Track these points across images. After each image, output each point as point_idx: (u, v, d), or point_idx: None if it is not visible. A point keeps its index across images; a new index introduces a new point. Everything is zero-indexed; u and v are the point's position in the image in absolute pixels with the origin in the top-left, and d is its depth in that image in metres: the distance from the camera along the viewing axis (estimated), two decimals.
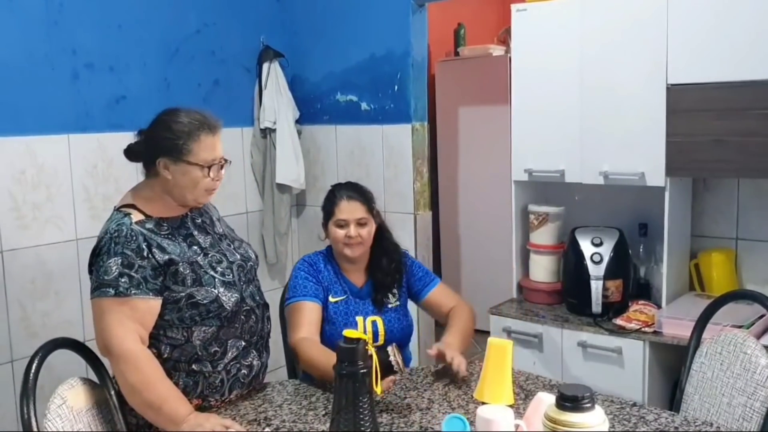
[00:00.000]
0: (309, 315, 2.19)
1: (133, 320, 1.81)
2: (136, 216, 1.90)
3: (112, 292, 1.80)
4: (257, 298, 2.06)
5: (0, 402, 2.69)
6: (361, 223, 2.25)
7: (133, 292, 1.81)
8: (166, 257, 1.87)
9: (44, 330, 2.82)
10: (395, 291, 2.32)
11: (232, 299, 1.94)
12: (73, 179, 2.92)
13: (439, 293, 2.38)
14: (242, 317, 1.98)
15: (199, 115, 1.94)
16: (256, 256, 2.16)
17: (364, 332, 2.08)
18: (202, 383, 1.91)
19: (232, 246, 2.08)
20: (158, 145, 1.91)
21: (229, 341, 1.96)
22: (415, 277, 2.38)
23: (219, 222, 2.14)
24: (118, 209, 1.95)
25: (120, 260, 1.82)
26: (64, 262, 2.89)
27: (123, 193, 2.05)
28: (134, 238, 1.85)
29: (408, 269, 2.38)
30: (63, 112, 2.88)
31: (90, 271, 1.89)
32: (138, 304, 1.82)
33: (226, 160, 1.98)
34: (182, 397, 1.82)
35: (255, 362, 2.02)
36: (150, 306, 1.85)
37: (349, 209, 2.26)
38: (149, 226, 1.90)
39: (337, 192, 2.32)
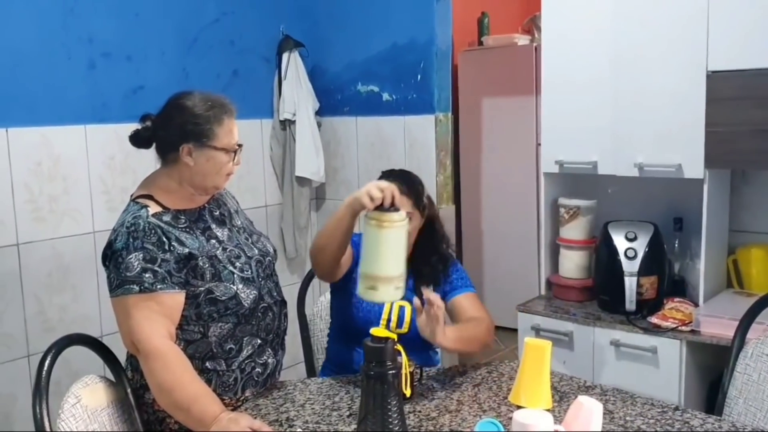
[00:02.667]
0: None
1: (161, 315, 1.75)
2: (154, 208, 1.83)
3: (137, 288, 1.73)
4: (275, 294, 1.99)
5: (17, 397, 2.64)
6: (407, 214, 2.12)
7: (158, 287, 1.74)
8: (186, 251, 1.80)
9: (61, 324, 2.77)
10: (431, 288, 2.15)
11: (251, 296, 1.88)
12: (90, 171, 2.86)
13: (465, 300, 2.18)
14: (259, 314, 1.91)
15: (218, 99, 1.88)
16: (275, 251, 2.08)
17: (389, 316, 1.96)
18: (215, 381, 1.85)
19: (250, 240, 2.01)
20: (180, 131, 1.83)
21: (245, 338, 1.89)
22: (448, 278, 2.22)
23: (237, 214, 2.07)
24: (134, 200, 1.87)
25: (141, 255, 1.74)
26: (81, 256, 2.83)
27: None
28: (153, 231, 1.78)
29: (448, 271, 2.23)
30: (79, 103, 2.82)
31: (105, 264, 1.81)
32: (164, 298, 1.75)
33: (240, 146, 1.92)
34: (212, 395, 1.75)
35: (270, 360, 1.96)
36: (176, 300, 1.78)
37: (399, 202, 2.12)
38: (166, 218, 1.83)
39: (394, 172, 2.19)
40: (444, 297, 2.17)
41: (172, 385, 1.71)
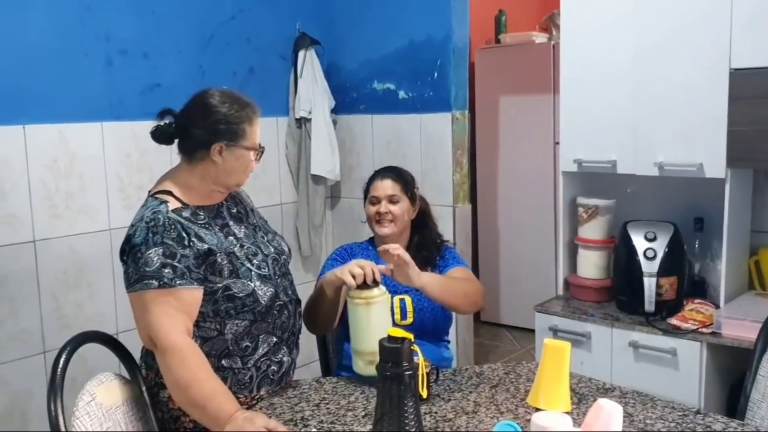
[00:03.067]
0: None
1: (179, 311, 1.74)
2: (173, 203, 1.82)
3: (156, 283, 1.72)
4: (290, 292, 1.98)
5: (33, 394, 2.65)
6: (392, 200, 2.26)
7: (177, 282, 1.73)
8: (205, 247, 1.80)
9: (77, 321, 2.78)
10: (429, 269, 2.24)
11: (268, 293, 1.87)
12: (106, 168, 2.86)
13: (456, 271, 2.24)
14: (275, 312, 1.90)
15: (246, 98, 1.90)
16: (289, 250, 2.08)
17: (392, 310, 2.02)
18: (230, 379, 1.84)
19: (266, 238, 2.00)
20: (211, 130, 1.83)
21: (261, 336, 1.88)
22: (443, 259, 2.30)
23: (253, 212, 2.07)
24: (152, 195, 1.87)
25: (161, 250, 1.73)
26: (97, 253, 2.83)
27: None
28: (173, 226, 1.77)
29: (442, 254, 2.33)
30: (96, 100, 2.82)
31: (122, 259, 1.80)
32: (183, 294, 1.74)
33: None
34: (228, 394, 1.74)
35: (285, 359, 1.95)
36: (195, 296, 1.77)
37: (381, 186, 2.29)
38: (186, 214, 1.82)
39: (375, 173, 2.37)
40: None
41: (188, 381, 1.70)
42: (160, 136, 1.89)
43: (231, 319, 1.83)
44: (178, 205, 1.83)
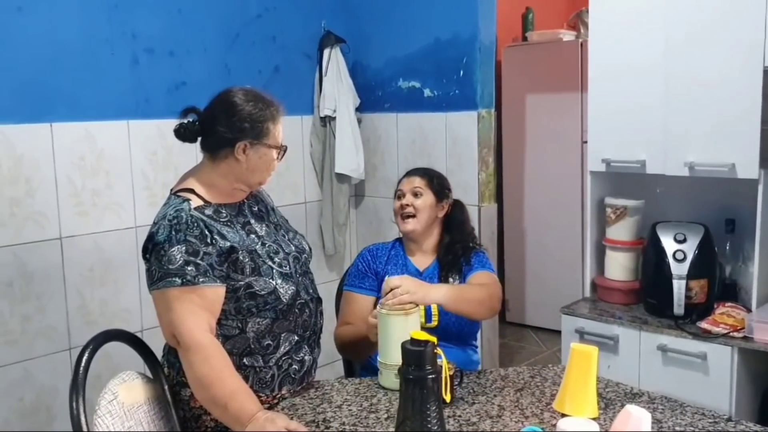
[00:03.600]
0: (357, 309, 2.24)
1: (202, 309, 1.73)
2: (195, 201, 1.82)
3: (179, 281, 1.71)
4: (311, 291, 1.97)
5: (59, 390, 2.67)
6: (416, 193, 2.26)
7: (200, 280, 1.73)
8: (228, 244, 1.79)
9: (102, 318, 2.80)
10: (456, 276, 2.23)
11: (289, 291, 1.86)
12: (132, 166, 2.88)
13: (475, 276, 2.21)
14: (296, 310, 1.90)
15: (270, 97, 1.90)
16: (310, 249, 2.07)
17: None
18: (252, 378, 1.83)
19: (287, 236, 2.00)
20: (235, 129, 1.82)
21: (282, 335, 1.88)
22: (469, 264, 2.26)
23: (274, 211, 2.06)
24: (175, 194, 1.87)
25: (184, 248, 1.73)
26: (122, 250, 2.85)
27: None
28: (195, 224, 1.77)
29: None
30: (123, 98, 2.84)
31: (145, 257, 1.80)
32: (206, 292, 1.74)
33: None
34: (250, 393, 1.73)
35: (306, 357, 1.94)
36: (217, 294, 1.77)
37: (407, 182, 2.30)
38: (208, 212, 1.82)
39: (406, 172, 2.38)
40: (463, 280, 2.24)
41: (211, 379, 1.69)
42: (183, 134, 1.88)
43: (253, 317, 1.83)
44: (201, 203, 1.83)
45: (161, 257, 1.74)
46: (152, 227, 1.81)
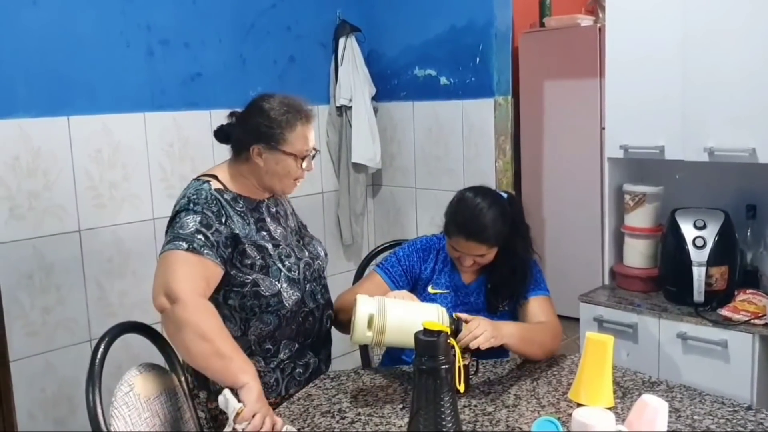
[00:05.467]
0: (373, 288, 2.02)
1: (203, 278, 1.74)
2: (216, 185, 1.87)
3: (185, 245, 1.73)
4: (318, 297, 1.97)
5: (80, 381, 2.66)
6: (478, 256, 2.00)
7: (205, 251, 1.74)
8: (234, 232, 1.82)
9: (122, 309, 2.82)
10: (505, 302, 2.09)
11: (293, 297, 1.87)
12: (149, 158, 2.89)
13: (535, 303, 2.06)
14: (300, 319, 1.91)
15: (296, 103, 1.89)
16: (326, 254, 2.08)
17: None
18: None
19: (302, 242, 2.01)
20: (253, 132, 1.86)
21: (283, 342, 1.89)
22: (524, 287, 2.10)
23: (292, 216, 2.07)
24: (196, 179, 1.92)
25: (199, 218, 1.77)
26: (141, 242, 2.87)
27: (199, 173, 1.99)
28: (214, 201, 1.81)
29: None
30: (138, 90, 2.85)
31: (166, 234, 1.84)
32: (209, 264, 1.76)
33: (316, 150, 1.93)
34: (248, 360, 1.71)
35: (311, 360, 1.96)
36: (217, 272, 1.78)
37: (466, 247, 1.98)
38: (227, 197, 1.86)
39: (460, 215, 1.98)
40: (517, 299, 2.10)
41: (215, 333, 1.66)
42: (217, 134, 1.96)
43: (255, 317, 1.84)
44: (221, 187, 1.87)
45: (175, 224, 1.79)
46: (173, 208, 1.85)
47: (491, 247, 1.99)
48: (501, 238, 1.99)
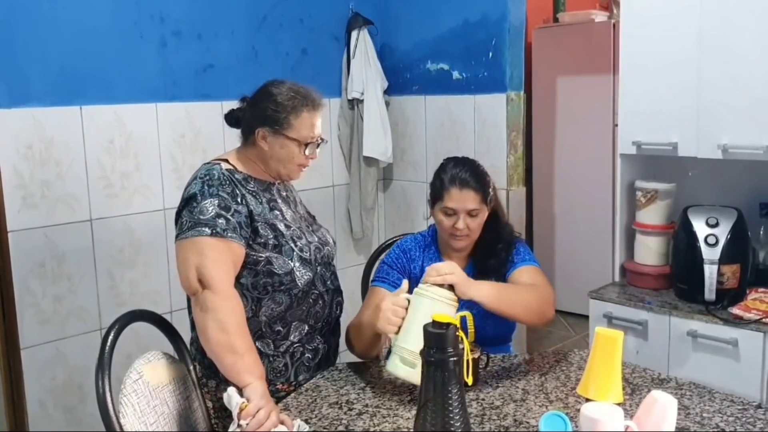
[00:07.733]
0: (379, 302, 1.94)
1: (230, 262, 1.77)
2: (226, 165, 1.88)
3: (209, 231, 1.74)
4: (328, 282, 1.98)
5: (90, 369, 2.68)
6: (472, 215, 1.98)
7: (229, 234, 1.76)
8: (250, 208, 1.84)
9: (132, 299, 2.83)
10: (494, 279, 2.04)
11: (305, 277, 1.88)
12: (161, 148, 2.90)
13: (523, 272, 2.01)
14: (310, 300, 1.92)
15: (304, 90, 1.90)
16: (334, 242, 2.09)
17: None
18: (266, 366, 1.84)
19: (311, 228, 2.02)
20: (260, 115, 1.88)
21: (294, 323, 1.90)
22: (510, 260, 2.08)
23: (301, 205, 2.09)
24: (206, 163, 1.93)
25: (217, 201, 1.77)
26: (152, 232, 2.88)
27: None
28: (227, 181, 1.82)
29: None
30: (151, 81, 2.85)
31: (178, 216, 1.84)
32: (234, 246, 1.77)
33: (322, 139, 1.93)
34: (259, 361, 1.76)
35: (320, 346, 1.96)
36: (242, 252, 1.80)
37: (460, 198, 1.97)
38: (238, 177, 1.87)
39: (450, 172, 2.01)
40: (505, 278, 2.06)
41: (234, 327, 1.71)
42: (228, 118, 1.98)
43: (267, 296, 1.85)
44: (231, 167, 1.89)
45: (193, 209, 1.78)
46: (185, 190, 1.86)
47: (483, 201, 1.99)
48: (491, 196, 2.03)
